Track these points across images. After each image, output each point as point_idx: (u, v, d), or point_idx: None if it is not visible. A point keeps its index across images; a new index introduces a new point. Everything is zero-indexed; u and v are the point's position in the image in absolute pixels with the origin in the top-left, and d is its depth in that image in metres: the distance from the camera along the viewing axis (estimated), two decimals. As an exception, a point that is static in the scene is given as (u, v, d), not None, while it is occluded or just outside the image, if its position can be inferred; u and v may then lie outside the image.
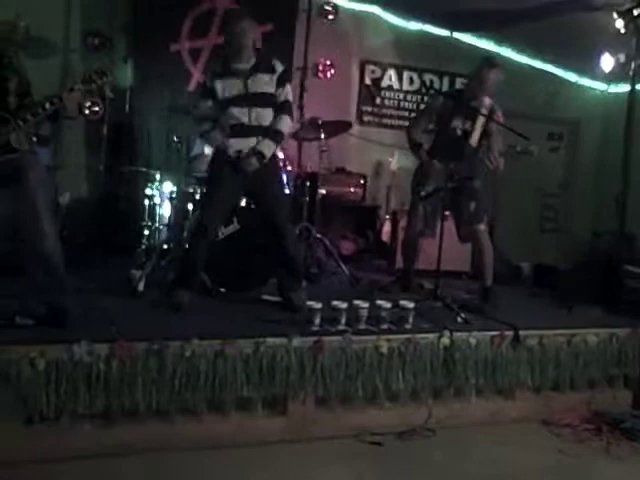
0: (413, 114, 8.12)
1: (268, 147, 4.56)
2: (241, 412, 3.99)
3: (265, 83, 4.55)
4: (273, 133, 4.57)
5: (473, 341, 4.51)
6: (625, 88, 6.89)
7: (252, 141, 4.55)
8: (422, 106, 8.07)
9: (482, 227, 5.29)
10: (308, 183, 6.13)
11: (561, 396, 4.78)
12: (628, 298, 5.52)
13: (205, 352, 3.83)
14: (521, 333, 4.63)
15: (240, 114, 4.51)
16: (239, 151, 4.55)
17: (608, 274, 5.75)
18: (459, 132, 5.26)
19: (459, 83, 8.08)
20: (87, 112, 6.37)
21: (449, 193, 5.18)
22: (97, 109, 6.41)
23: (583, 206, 8.38)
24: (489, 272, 5.31)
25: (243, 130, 4.53)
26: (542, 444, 4.41)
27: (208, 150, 5.29)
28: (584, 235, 7.45)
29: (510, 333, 4.62)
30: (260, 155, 4.52)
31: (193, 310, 4.47)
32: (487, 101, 5.27)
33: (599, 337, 4.86)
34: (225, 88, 4.52)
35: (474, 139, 5.24)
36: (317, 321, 4.28)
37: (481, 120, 5.21)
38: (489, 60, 5.34)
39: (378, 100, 8.26)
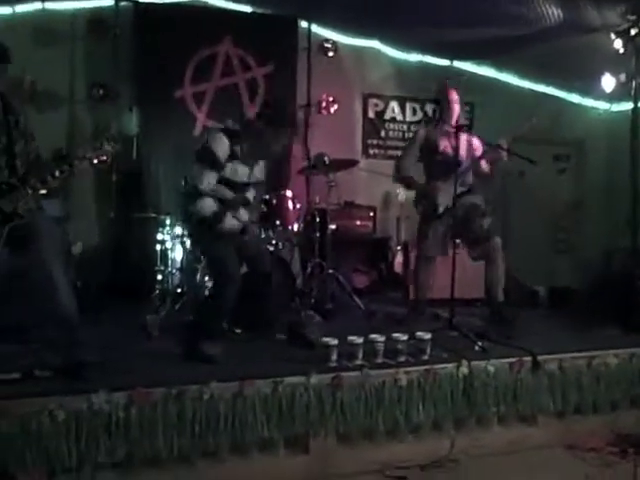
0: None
1: None
2: (263, 453, 3.96)
3: None
4: None
5: (492, 369, 4.48)
6: (627, 106, 6.90)
7: None
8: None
9: (498, 240, 5.39)
10: (318, 219, 6.15)
11: (584, 420, 4.72)
12: (645, 317, 5.48)
13: (223, 394, 3.82)
14: (540, 358, 4.60)
15: None
16: None
17: (623, 293, 5.71)
18: (449, 152, 5.41)
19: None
20: (95, 162, 6.43)
21: (458, 216, 5.33)
22: (105, 158, 6.47)
23: (594, 225, 8.36)
24: (500, 287, 5.39)
25: None
26: (568, 470, 4.34)
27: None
28: (597, 255, 7.42)
29: (529, 359, 4.59)
30: None
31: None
32: (463, 120, 5.68)
33: (619, 358, 4.81)
34: None
35: (462, 153, 5.42)
36: (334, 357, 4.27)
37: (464, 134, 5.44)
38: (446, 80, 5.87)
39: (382, 132, 8.32)
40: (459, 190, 5.19)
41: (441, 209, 5.41)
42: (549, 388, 4.60)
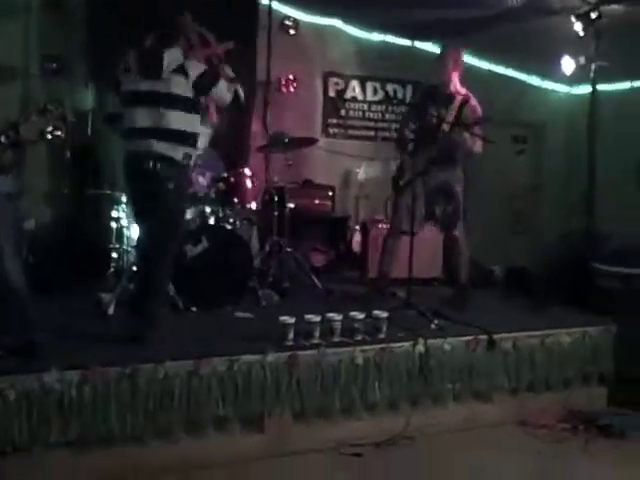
0: (378, 124, 8.16)
1: None
2: (218, 431, 3.95)
3: None
4: None
5: (448, 347, 4.52)
6: (586, 89, 6.97)
7: None
8: (387, 115, 8.14)
9: (457, 233, 5.45)
10: (276, 197, 6.12)
11: (537, 397, 4.81)
12: (598, 296, 5.56)
13: (178, 372, 3.79)
14: (495, 337, 4.65)
15: None
16: None
17: (578, 274, 5.79)
18: (433, 119, 5.36)
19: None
20: (49, 137, 6.28)
21: (426, 191, 5.33)
22: (59, 133, 6.32)
23: (552, 207, 8.45)
24: (465, 271, 5.48)
25: None
26: (521, 446, 4.42)
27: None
28: (554, 236, 7.50)
29: (484, 337, 4.64)
30: None
31: (165, 331, 4.42)
32: (463, 90, 5.43)
33: (572, 336, 4.90)
34: None
35: (447, 125, 5.31)
36: (291, 336, 4.25)
37: (455, 106, 5.32)
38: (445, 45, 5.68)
39: (343, 112, 8.27)
40: (433, 165, 5.22)
41: (403, 182, 5.39)
42: (504, 366, 4.67)
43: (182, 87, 4.28)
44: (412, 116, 5.73)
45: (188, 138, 4.37)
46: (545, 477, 4.03)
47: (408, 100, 8.07)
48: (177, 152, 4.29)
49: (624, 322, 5.10)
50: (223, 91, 4.50)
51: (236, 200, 5.65)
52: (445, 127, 5.29)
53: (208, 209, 5.46)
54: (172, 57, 4.33)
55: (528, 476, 4.03)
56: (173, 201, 4.37)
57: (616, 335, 5.04)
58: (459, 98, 5.36)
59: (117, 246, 5.63)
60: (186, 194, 4.71)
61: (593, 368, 4.96)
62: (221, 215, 5.46)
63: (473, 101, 5.41)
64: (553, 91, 8.71)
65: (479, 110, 5.40)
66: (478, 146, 5.31)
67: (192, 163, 4.56)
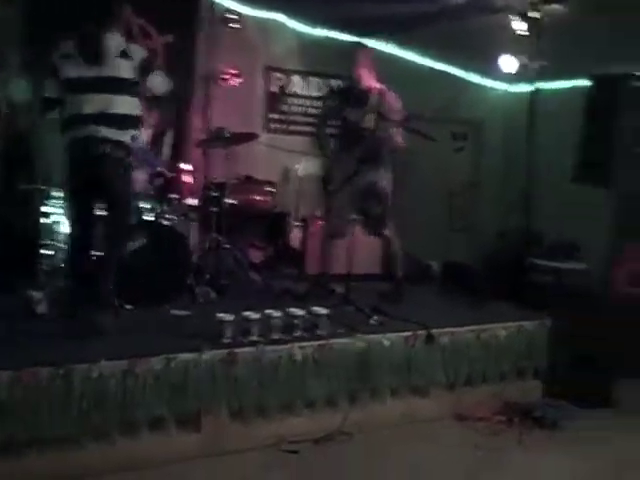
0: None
1: None
2: (154, 432, 3.90)
3: None
4: None
5: (387, 343, 4.55)
6: (525, 88, 7.08)
7: None
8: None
9: (388, 232, 5.47)
10: (216, 193, 6.05)
11: (474, 390, 4.88)
12: (533, 291, 5.67)
13: (113, 372, 3.73)
14: (433, 332, 4.69)
15: None
16: None
17: (514, 269, 5.89)
18: (355, 119, 5.35)
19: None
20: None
21: (355, 193, 5.28)
22: (-8, 126, 6.17)
23: (490, 204, 8.55)
24: (399, 266, 5.50)
25: None
26: (458, 440, 4.48)
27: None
28: (491, 232, 7.60)
29: (423, 332, 4.67)
30: None
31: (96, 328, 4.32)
32: (377, 85, 5.43)
33: (508, 330, 4.98)
34: None
35: (369, 122, 5.31)
36: (229, 333, 4.22)
37: (372, 104, 5.32)
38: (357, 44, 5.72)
39: (285, 107, 8.22)
40: (361, 164, 5.20)
41: (332, 187, 5.35)
42: (441, 361, 4.72)
43: (127, 71, 4.28)
44: (329, 115, 5.75)
45: (134, 121, 4.40)
46: (482, 470, 4.07)
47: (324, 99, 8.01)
48: (125, 135, 4.32)
49: (557, 316, 5.20)
50: (158, 81, 4.46)
51: (175, 196, 5.57)
52: (368, 125, 5.31)
53: (146, 205, 5.37)
54: (113, 42, 4.29)
55: (465, 469, 4.06)
56: (127, 184, 4.43)
57: (550, 329, 5.14)
58: (375, 93, 5.37)
59: (48, 243, 5.48)
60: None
61: (528, 361, 5.07)
62: (159, 211, 5.37)
63: (389, 95, 5.40)
64: (492, 89, 8.79)
65: (397, 103, 5.38)
66: (403, 141, 5.30)
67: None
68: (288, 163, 7.73)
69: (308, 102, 8.32)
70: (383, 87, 5.42)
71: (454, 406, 4.79)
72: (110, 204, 4.38)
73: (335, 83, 8.29)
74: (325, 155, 5.54)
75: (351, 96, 5.45)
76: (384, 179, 5.45)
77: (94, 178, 4.31)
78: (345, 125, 5.46)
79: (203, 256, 5.80)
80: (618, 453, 4.30)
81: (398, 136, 5.26)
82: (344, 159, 5.36)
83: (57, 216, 5.39)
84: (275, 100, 8.19)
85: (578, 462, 4.17)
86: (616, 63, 5.91)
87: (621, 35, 6.38)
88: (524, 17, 6.64)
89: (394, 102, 5.36)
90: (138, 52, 4.38)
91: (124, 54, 4.28)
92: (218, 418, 4.05)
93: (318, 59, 8.10)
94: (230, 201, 6.13)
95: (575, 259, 6.03)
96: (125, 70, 4.27)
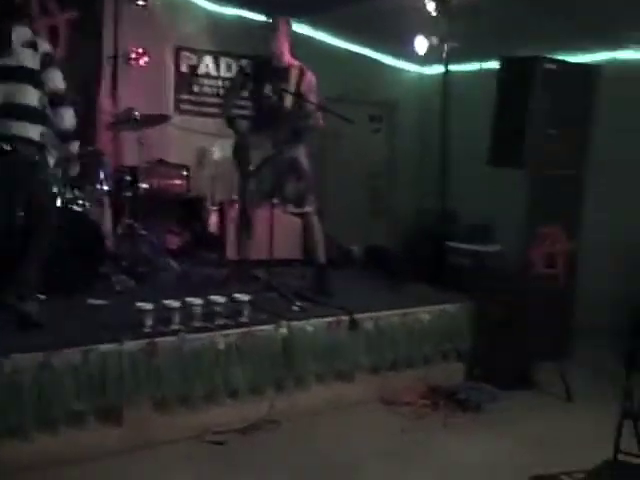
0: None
1: None
2: (72, 427, 3.72)
3: None
4: None
5: (310, 329, 4.50)
6: (439, 69, 7.12)
7: None
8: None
9: (311, 209, 5.24)
10: (128, 177, 5.83)
11: (399, 375, 4.89)
12: (451, 273, 5.73)
13: (28, 366, 3.54)
14: (357, 316, 4.67)
15: None
16: None
17: (433, 252, 5.94)
18: (273, 97, 5.15)
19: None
20: None
21: (275, 172, 5.12)
22: None
23: (407, 186, 8.62)
24: (321, 250, 5.28)
25: None
26: (384, 424, 4.48)
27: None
28: (410, 215, 7.67)
29: (346, 318, 4.64)
30: None
31: (11, 321, 4.10)
32: (294, 61, 5.25)
33: (431, 314, 5.00)
34: None
35: (288, 101, 5.14)
36: (149, 322, 4.07)
37: (292, 80, 5.13)
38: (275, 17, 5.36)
39: (196, 88, 8.02)
40: (281, 143, 5.06)
41: (252, 167, 5.15)
42: (366, 345, 4.70)
43: (32, 60, 4.13)
44: (237, 91, 5.52)
45: (41, 116, 4.22)
46: (408, 453, 4.07)
47: (233, 74, 7.82)
48: (34, 132, 4.14)
49: (476, 298, 5.27)
50: (58, 77, 4.26)
51: (85, 181, 5.33)
52: (286, 102, 5.13)
53: (55, 190, 5.11)
54: (20, 33, 4.15)
55: (392, 453, 4.06)
56: (44, 185, 4.32)
57: (471, 311, 5.20)
58: (295, 70, 5.18)
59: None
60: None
61: (451, 344, 5.11)
62: (69, 197, 5.12)
63: (309, 73, 5.22)
64: (406, 71, 8.85)
65: (314, 81, 5.22)
66: (322, 121, 5.12)
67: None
68: (202, 145, 7.55)
69: (220, 82, 8.16)
70: (302, 64, 5.24)
71: (379, 391, 4.78)
72: (32, 206, 4.23)
73: (246, 63, 8.19)
74: (237, 132, 5.23)
75: (268, 71, 5.20)
76: (303, 155, 5.29)
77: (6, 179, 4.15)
78: (260, 102, 5.22)
79: (118, 243, 5.60)
80: (537, 432, 4.38)
81: (318, 115, 5.10)
82: (260, 137, 5.13)
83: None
84: (186, 81, 7.98)
85: (500, 442, 4.23)
86: (527, 45, 6.01)
87: (532, 16, 6.48)
88: (436, -1, 6.66)
89: (312, 81, 5.21)
90: (44, 44, 4.28)
91: (30, 44, 4.15)
92: (140, 410, 3.91)
93: (229, 39, 7.95)
94: (144, 185, 5.93)
95: (491, 241, 6.13)
96: (29, 60, 4.13)
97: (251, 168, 5.15)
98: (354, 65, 8.01)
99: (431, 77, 7.83)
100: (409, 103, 8.75)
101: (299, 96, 5.09)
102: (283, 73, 5.16)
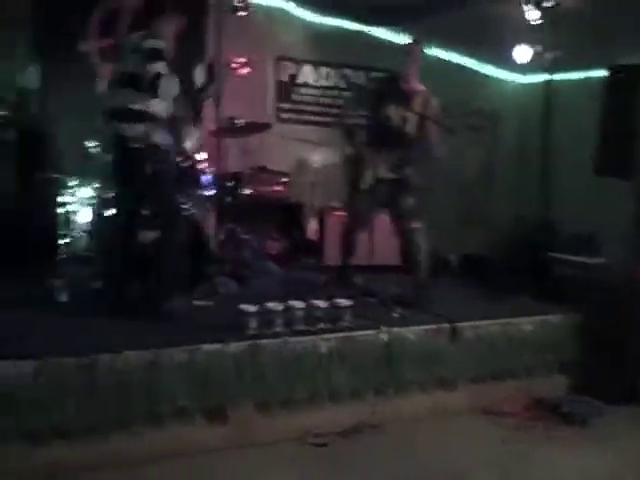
0: (332, 109, 8.04)
1: None
2: (179, 423, 3.82)
3: None
4: None
5: (411, 336, 4.48)
6: (540, 78, 7.00)
7: None
8: (341, 101, 8.00)
9: (418, 225, 5.16)
10: (231, 183, 5.96)
11: (501, 385, 4.81)
12: (555, 285, 5.59)
13: (138, 363, 3.67)
14: (458, 325, 4.62)
15: None
16: None
17: (534, 262, 5.82)
18: (395, 119, 5.09)
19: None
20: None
21: (387, 186, 5.09)
22: (1, 113, 6.06)
23: (505, 195, 8.48)
24: (423, 267, 5.20)
25: None
26: (485, 434, 4.42)
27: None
28: (509, 225, 7.53)
29: (447, 326, 4.61)
30: None
31: (123, 320, 4.25)
32: (420, 86, 5.19)
33: (533, 324, 4.91)
34: None
35: (411, 127, 5.08)
36: (253, 324, 4.15)
37: (417, 106, 5.06)
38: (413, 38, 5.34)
39: (296, 97, 8.13)
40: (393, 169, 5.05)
41: (364, 185, 5.11)
42: (467, 355, 4.64)
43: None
44: (357, 104, 5.50)
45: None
46: (510, 465, 4.00)
47: (362, 87, 7.89)
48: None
49: (581, 310, 5.13)
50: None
51: (190, 185, 5.48)
52: (409, 127, 5.06)
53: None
54: None
55: (491, 465, 3.99)
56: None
57: (575, 323, 5.07)
58: (419, 95, 5.11)
59: (66, 232, 5.39)
60: None
61: (554, 356, 4.99)
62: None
63: (433, 99, 5.16)
64: (507, 80, 8.72)
65: (439, 109, 5.15)
66: (444, 152, 5.07)
67: None
68: (302, 154, 7.64)
69: (319, 92, 8.25)
70: (426, 90, 5.18)
71: (481, 400, 4.71)
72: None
73: (345, 73, 8.27)
74: (353, 145, 5.22)
75: (394, 92, 5.13)
76: (415, 173, 5.21)
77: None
78: (380, 120, 5.13)
79: (221, 246, 5.72)
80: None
81: (440, 146, 5.02)
82: (376, 158, 5.10)
83: (73, 205, 5.31)
84: (286, 90, 8.11)
85: (605, 458, 4.11)
86: (634, 52, 5.85)
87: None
88: (538, 6, 6.54)
89: (438, 109, 5.14)
90: None
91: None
92: (244, 410, 3.98)
93: (328, 48, 8.02)
94: (246, 191, 6.05)
95: (596, 252, 5.95)
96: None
97: (363, 186, 5.13)
98: (453, 75, 7.94)
99: (532, 86, 7.69)
100: (510, 112, 8.60)
101: (421, 122, 5.03)
102: (406, 96, 5.10)
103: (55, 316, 4.30)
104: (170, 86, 4.37)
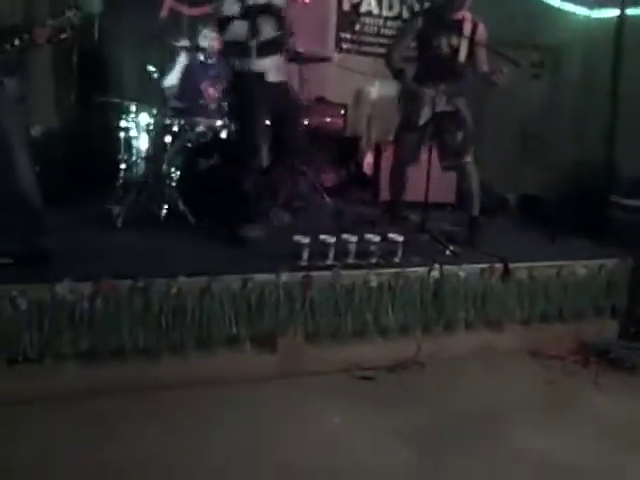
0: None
1: None
2: (230, 349, 3.91)
3: None
4: None
5: (462, 274, 4.46)
6: (609, 13, 6.71)
7: None
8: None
9: (469, 159, 5.09)
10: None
11: (549, 328, 4.77)
12: (614, 229, 5.48)
13: (191, 289, 3.73)
14: (510, 265, 4.58)
15: None
16: None
17: (595, 205, 5.68)
18: (445, 50, 4.98)
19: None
20: (54, 39, 6.04)
21: (441, 120, 5.00)
22: (65, 36, 6.09)
23: (567, 135, 8.26)
24: (476, 203, 5.14)
25: None
26: (530, 376, 4.41)
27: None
28: (569, 165, 7.34)
29: (499, 266, 4.57)
30: None
31: (177, 246, 4.33)
32: (468, 15, 5.02)
33: (588, 268, 4.83)
34: None
35: (462, 55, 4.97)
36: (305, 256, 4.18)
37: (467, 34, 4.94)
38: None
39: (357, 27, 7.99)
40: (447, 101, 4.95)
41: (421, 121, 5.02)
42: (518, 295, 4.61)
43: None
44: (406, 43, 5.23)
45: None
46: (552, 407, 4.00)
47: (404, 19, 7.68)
48: None
49: (638, 255, 5.03)
50: None
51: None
52: (461, 59, 4.95)
53: (219, 122, 5.30)
54: None
55: (533, 405, 4.00)
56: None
57: (632, 269, 4.98)
58: (468, 24, 4.95)
59: (125, 157, 5.47)
60: None
61: (607, 301, 4.92)
62: (233, 129, 5.28)
63: (481, 25, 4.99)
64: (573, 14, 8.38)
65: (486, 35, 5.00)
66: (499, 77, 4.84)
67: None
68: (360, 85, 7.53)
69: (381, 22, 8.07)
70: (474, 18, 5.01)
71: (528, 342, 4.69)
72: None
73: (408, 2, 8.05)
74: (404, 84, 5.08)
75: (441, 22, 5.00)
76: (465, 105, 5.13)
77: None
78: (430, 52, 5.03)
79: (276, 177, 5.73)
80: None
81: (499, 74, 4.82)
82: (429, 93, 4.97)
83: (133, 130, 5.36)
84: (348, 19, 7.96)
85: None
86: None
87: None
88: None
89: (485, 34, 5.01)
90: None
91: None
92: (294, 340, 4.04)
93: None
94: (303, 122, 6.01)
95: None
96: None
97: (422, 122, 5.04)
98: (515, 5, 7.65)
99: (600, 21, 7.36)
100: (574, 48, 8.28)
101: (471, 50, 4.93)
102: (455, 25, 4.96)
103: (111, 241, 4.42)
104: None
